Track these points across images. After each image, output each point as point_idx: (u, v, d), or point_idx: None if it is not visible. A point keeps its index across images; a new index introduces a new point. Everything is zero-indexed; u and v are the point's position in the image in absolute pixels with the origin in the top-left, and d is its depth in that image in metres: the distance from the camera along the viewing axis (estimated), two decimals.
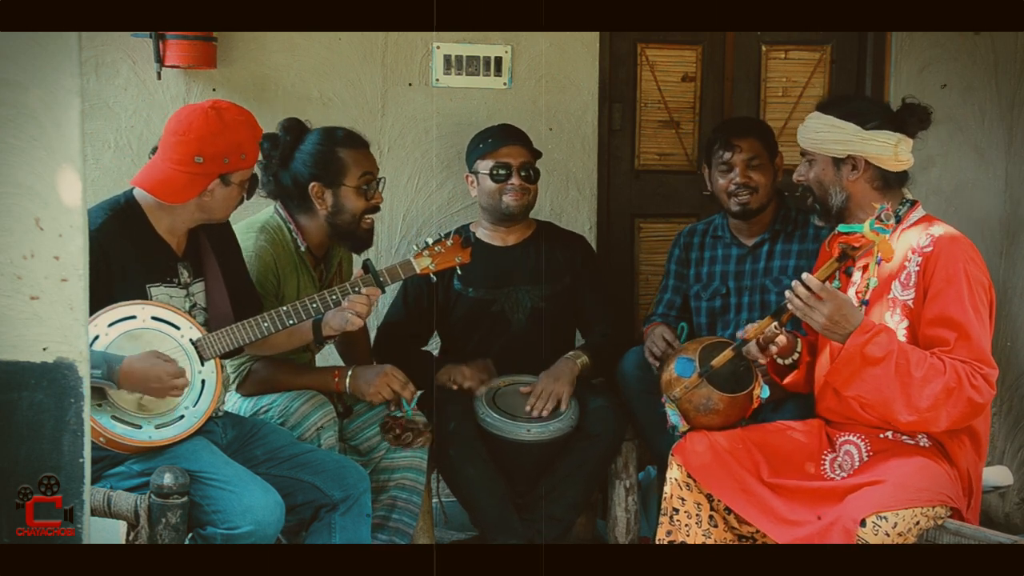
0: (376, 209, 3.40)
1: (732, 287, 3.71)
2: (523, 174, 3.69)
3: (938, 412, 2.77)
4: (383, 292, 3.06)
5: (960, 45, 4.22)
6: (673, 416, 3.09)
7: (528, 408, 3.50)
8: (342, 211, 3.33)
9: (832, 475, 2.97)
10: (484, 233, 3.80)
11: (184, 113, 2.89)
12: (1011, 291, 4.25)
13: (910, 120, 3.01)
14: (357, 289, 2.99)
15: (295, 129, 3.37)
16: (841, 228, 2.91)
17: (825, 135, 3.01)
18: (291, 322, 2.96)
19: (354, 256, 3.60)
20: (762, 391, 3.09)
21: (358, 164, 3.34)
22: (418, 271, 3.07)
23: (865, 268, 2.98)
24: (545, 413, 3.49)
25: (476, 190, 3.76)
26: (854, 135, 2.97)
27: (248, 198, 3.03)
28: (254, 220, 3.37)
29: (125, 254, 2.85)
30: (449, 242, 3.09)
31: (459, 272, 3.13)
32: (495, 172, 3.68)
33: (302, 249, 3.36)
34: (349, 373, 3.33)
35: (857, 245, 2.80)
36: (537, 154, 3.77)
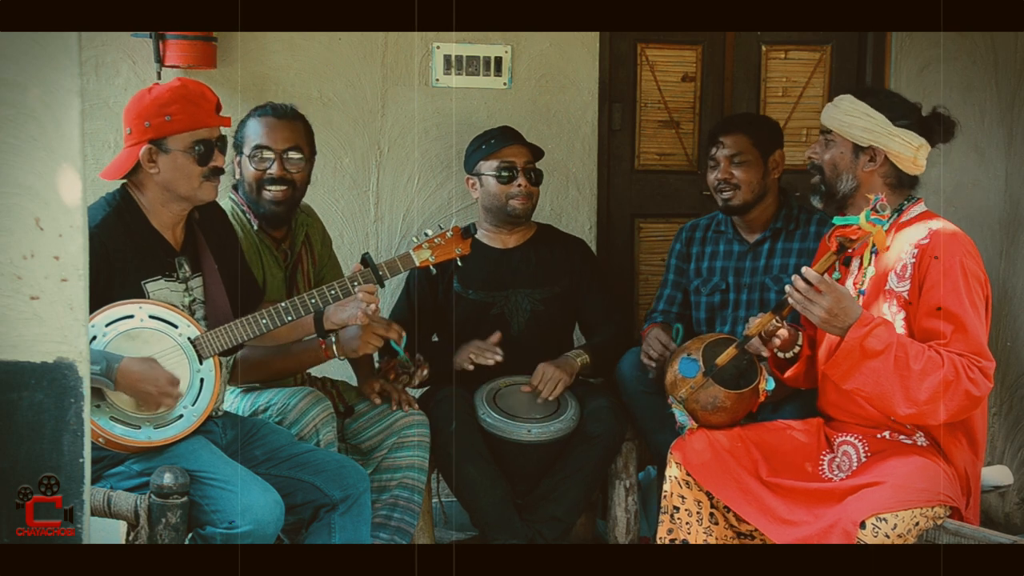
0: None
1: (731, 283, 3.71)
2: (527, 175, 3.69)
3: (936, 405, 2.77)
4: (382, 287, 3.05)
5: (960, 45, 4.22)
6: (681, 416, 3.08)
7: (532, 388, 3.52)
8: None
9: (830, 475, 2.97)
10: (484, 235, 3.79)
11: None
12: (1011, 291, 4.25)
13: (937, 129, 3.02)
14: (356, 283, 2.99)
15: None
16: (836, 220, 2.92)
17: (855, 120, 3.00)
18: (289, 318, 2.95)
19: (325, 227, 3.65)
20: (767, 383, 3.09)
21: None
22: (417, 264, 3.05)
23: (863, 260, 2.98)
24: (551, 397, 3.51)
25: (478, 192, 3.76)
26: (882, 127, 2.97)
27: (203, 166, 2.88)
28: None
29: (125, 249, 2.85)
30: (449, 233, 3.07)
31: (459, 263, 3.11)
32: (500, 173, 3.68)
33: (255, 229, 3.38)
34: (333, 339, 3.29)
35: (854, 237, 2.82)
36: (539, 154, 3.77)
